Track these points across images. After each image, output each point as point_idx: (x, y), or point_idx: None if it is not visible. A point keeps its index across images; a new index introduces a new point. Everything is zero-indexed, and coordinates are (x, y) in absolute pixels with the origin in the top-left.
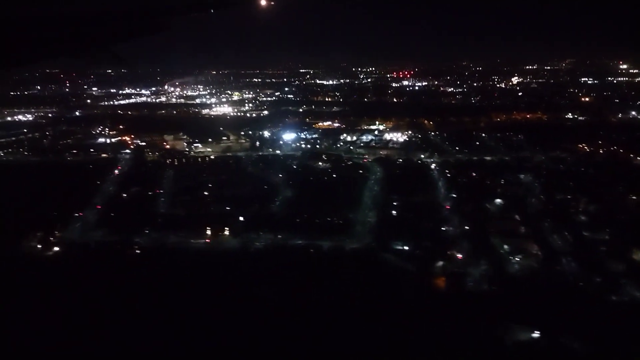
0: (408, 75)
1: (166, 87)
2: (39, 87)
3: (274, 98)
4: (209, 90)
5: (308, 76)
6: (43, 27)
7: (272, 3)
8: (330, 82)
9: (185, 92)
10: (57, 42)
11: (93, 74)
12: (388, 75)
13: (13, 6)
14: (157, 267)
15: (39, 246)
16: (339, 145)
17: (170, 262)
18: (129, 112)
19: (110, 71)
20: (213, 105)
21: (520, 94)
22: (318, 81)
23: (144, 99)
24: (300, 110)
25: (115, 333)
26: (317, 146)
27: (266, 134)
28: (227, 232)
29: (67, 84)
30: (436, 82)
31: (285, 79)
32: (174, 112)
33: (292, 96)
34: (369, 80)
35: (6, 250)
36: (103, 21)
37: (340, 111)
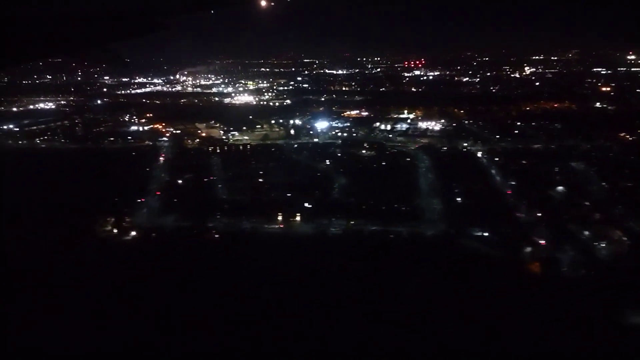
0: (420, 65)
1: (177, 76)
2: (49, 76)
3: (290, 87)
4: (221, 80)
5: (315, 66)
6: (41, 26)
7: (272, 3)
8: (340, 72)
9: (197, 81)
10: (55, 41)
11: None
12: (396, 65)
13: (11, 5)
14: (240, 252)
15: (115, 231)
16: (375, 134)
17: (252, 247)
18: (152, 101)
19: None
20: (232, 94)
21: (537, 83)
22: (327, 71)
23: (159, 88)
24: (322, 99)
25: (211, 316)
26: (354, 134)
27: (297, 122)
28: (298, 218)
29: (79, 73)
30: (447, 72)
31: (293, 69)
32: (195, 100)
33: (307, 85)
34: (378, 70)
35: (84, 236)
36: (101, 21)
37: (364, 100)
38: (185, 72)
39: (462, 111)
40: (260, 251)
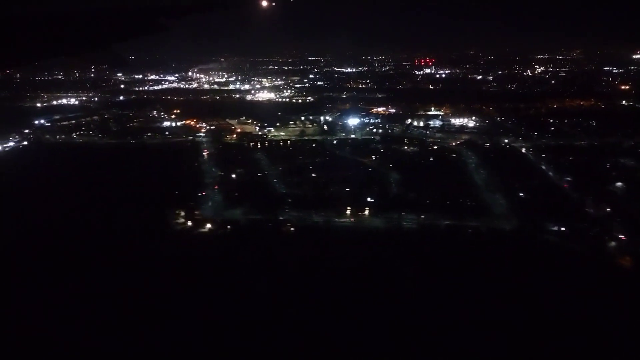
0: (430, 63)
1: (190, 73)
2: (61, 74)
3: (305, 85)
4: (234, 77)
5: (321, 64)
6: (43, 26)
7: (273, 4)
8: (349, 70)
9: (211, 78)
10: (57, 41)
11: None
12: (403, 63)
13: (13, 5)
14: (321, 245)
15: (189, 224)
16: (411, 130)
17: (331, 240)
18: (173, 98)
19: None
20: (252, 92)
21: (553, 82)
22: (335, 69)
23: (174, 85)
24: (343, 96)
25: (304, 306)
26: (389, 131)
27: (328, 119)
28: (367, 212)
29: (93, 69)
30: (457, 71)
31: (301, 67)
32: (217, 97)
33: (322, 83)
34: (387, 68)
35: (163, 229)
36: (102, 21)
37: (385, 97)
38: (196, 70)
39: (490, 108)
40: (341, 245)
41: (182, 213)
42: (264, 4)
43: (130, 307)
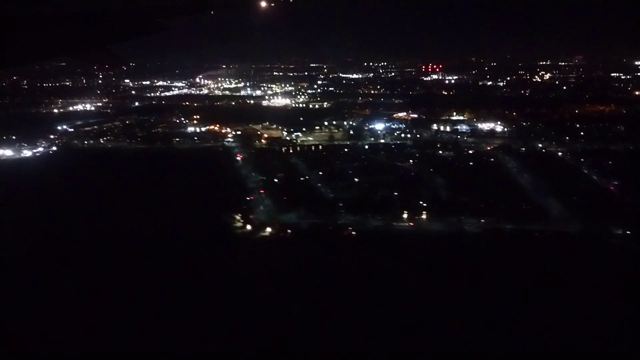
0: (437, 70)
1: (197, 80)
2: (68, 80)
3: (316, 90)
4: (242, 83)
5: (325, 70)
6: (40, 26)
7: (273, 5)
8: (356, 76)
9: (219, 84)
10: (54, 41)
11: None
12: (407, 70)
13: (11, 5)
14: (385, 249)
15: (249, 227)
16: (441, 135)
17: (394, 244)
18: (189, 103)
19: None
20: (265, 97)
21: (564, 87)
22: (341, 75)
23: (184, 91)
24: (359, 102)
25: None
26: (417, 135)
27: (352, 124)
28: (424, 216)
29: (100, 76)
30: (465, 77)
31: (305, 73)
32: (232, 103)
33: (333, 89)
34: (393, 74)
35: (222, 233)
36: (100, 21)
37: (403, 103)
38: (201, 76)
39: (514, 113)
40: (408, 249)
41: (238, 217)
42: (263, 4)
43: (210, 313)
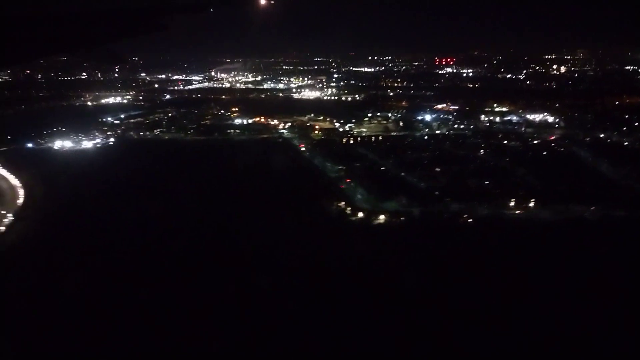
0: (451, 63)
1: (212, 73)
2: (84, 74)
3: (340, 83)
4: (259, 77)
5: (334, 64)
6: (42, 25)
7: (272, 2)
8: (369, 70)
9: (237, 78)
10: (56, 39)
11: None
12: (415, 63)
13: (13, 4)
14: (508, 236)
15: (360, 215)
16: (496, 126)
17: (515, 231)
18: (221, 96)
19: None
20: (293, 90)
21: (587, 80)
22: (353, 69)
23: (205, 84)
24: (390, 94)
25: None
26: (471, 126)
27: (397, 115)
28: (532, 204)
29: (117, 70)
30: (480, 70)
31: (315, 67)
32: (262, 96)
33: (354, 82)
34: (404, 67)
35: (335, 223)
36: (101, 20)
37: (435, 95)
38: (213, 70)
39: (556, 105)
40: (531, 237)
41: (342, 205)
42: (263, 2)
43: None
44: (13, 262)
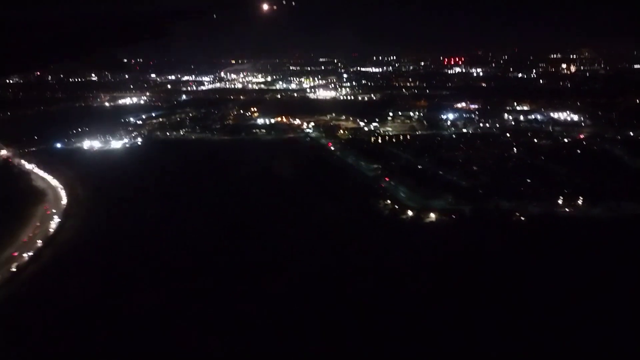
0: (460, 63)
1: (222, 74)
2: (93, 75)
3: (350, 83)
4: (270, 78)
5: (340, 64)
6: (46, 32)
7: (275, 8)
8: (377, 70)
9: (247, 78)
10: (61, 47)
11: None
12: (422, 63)
13: (18, 12)
14: (566, 233)
15: (410, 214)
16: (522, 124)
17: (567, 230)
18: (238, 97)
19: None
20: (307, 90)
21: (600, 79)
22: (361, 69)
23: (217, 85)
24: (406, 93)
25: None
26: (497, 125)
27: (420, 114)
28: (580, 202)
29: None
30: (488, 70)
31: (322, 67)
32: (278, 96)
33: (365, 81)
34: (412, 67)
35: (387, 221)
36: (106, 27)
37: (451, 94)
38: (222, 71)
39: (577, 103)
40: (592, 235)
41: (388, 203)
42: (265, 7)
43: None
44: (72, 262)
